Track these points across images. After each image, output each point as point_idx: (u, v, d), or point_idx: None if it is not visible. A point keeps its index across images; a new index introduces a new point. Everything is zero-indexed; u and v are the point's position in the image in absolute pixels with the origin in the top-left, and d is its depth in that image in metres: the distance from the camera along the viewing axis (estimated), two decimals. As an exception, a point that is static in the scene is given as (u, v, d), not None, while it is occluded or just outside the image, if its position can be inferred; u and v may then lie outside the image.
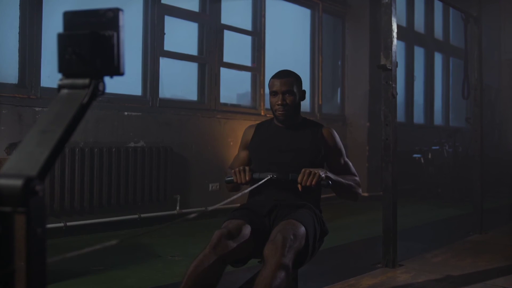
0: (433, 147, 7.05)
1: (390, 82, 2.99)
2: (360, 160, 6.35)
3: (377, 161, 6.31)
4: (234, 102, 5.42)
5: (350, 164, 2.17)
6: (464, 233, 4.04)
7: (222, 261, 1.68)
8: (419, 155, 6.92)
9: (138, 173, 4.16)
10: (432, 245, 3.61)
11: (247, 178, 1.90)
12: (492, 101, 9.05)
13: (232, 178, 1.95)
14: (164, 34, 4.51)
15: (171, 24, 4.60)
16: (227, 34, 5.10)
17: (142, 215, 4.20)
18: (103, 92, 0.76)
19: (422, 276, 2.74)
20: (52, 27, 3.79)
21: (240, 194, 1.78)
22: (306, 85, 6.25)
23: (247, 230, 1.81)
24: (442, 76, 8.83)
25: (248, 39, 5.46)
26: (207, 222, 4.56)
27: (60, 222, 3.69)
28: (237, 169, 1.93)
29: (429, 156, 6.92)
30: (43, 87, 3.71)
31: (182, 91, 4.96)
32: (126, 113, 4.19)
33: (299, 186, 1.85)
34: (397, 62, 3.04)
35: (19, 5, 3.63)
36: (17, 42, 3.63)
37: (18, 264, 0.63)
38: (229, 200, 1.48)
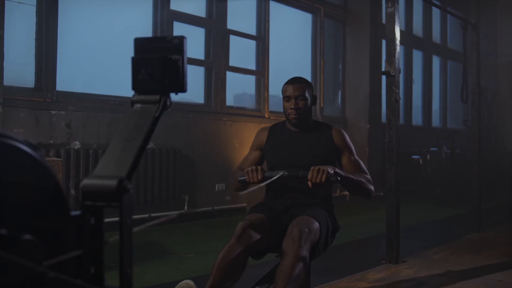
0: (431, 149, 7.20)
1: (394, 88, 3.14)
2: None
3: (377, 163, 6.47)
4: (232, 103, 5.56)
5: (361, 162, 2.24)
6: (462, 232, 4.20)
7: (246, 252, 1.83)
8: (417, 157, 7.07)
9: (148, 174, 4.30)
10: (433, 243, 3.77)
11: (259, 177, 1.95)
12: (488, 103, 9.22)
13: (245, 177, 2.00)
14: (173, 39, 4.65)
15: (179, 29, 4.74)
16: (232, 38, 5.25)
17: (152, 214, 4.33)
18: (170, 106, 0.92)
19: (424, 272, 2.89)
20: (67, 33, 3.94)
21: (247, 191, 1.89)
22: (308, 88, 6.43)
23: (267, 223, 1.96)
24: (440, 78, 9.02)
25: (252, 43, 5.61)
26: (213, 221, 4.71)
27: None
28: (249, 168, 1.98)
29: (428, 158, 7.08)
30: (58, 91, 3.84)
31: (190, 94, 5.10)
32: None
33: (309, 183, 1.90)
34: (400, 69, 3.20)
35: (36, 12, 3.77)
36: (34, 48, 3.77)
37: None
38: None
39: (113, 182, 0.77)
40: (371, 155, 6.49)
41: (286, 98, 2.17)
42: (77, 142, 3.89)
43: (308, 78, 6.41)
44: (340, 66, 6.88)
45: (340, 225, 2.15)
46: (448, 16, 8.70)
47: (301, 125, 2.20)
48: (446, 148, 7.17)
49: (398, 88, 3.18)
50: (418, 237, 4.18)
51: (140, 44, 0.92)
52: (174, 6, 4.67)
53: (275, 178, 1.92)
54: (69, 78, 3.99)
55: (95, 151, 3.95)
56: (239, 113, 5.33)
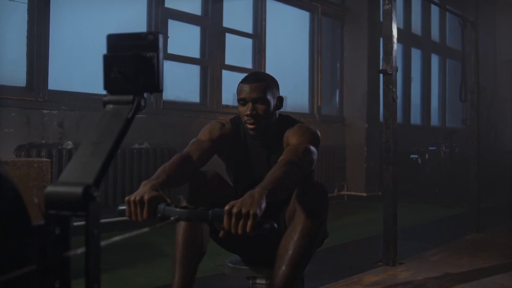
0: (430, 148, 7.15)
1: (391, 87, 3.08)
2: (358, 161, 6.46)
3: (375, 162, 6.41)
4: (230, 101, 5.50)
5: (302, 147, 1.65)
6: (461, 232, 4.14)
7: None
8: (416, 156, 7.02)
9: (143, 174, 4.23)
10: (431, 244, 3.71)
11: (144, 216, 1.38)
12: (488, 102, 9.17)
13: (125, 208, 1.42)
14: (168, 37, 4.59)
15: (174, 28, 4.68)
16: (228, 37, 5.19)
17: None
18: (144, 107, 0.85)
19: (421, 274, 2.84)
20: (59, 31, 3.87)
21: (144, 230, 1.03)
22: (305, 87, 6.37)
23: (222, 181, 1.79)
24: (438, 77, 8.95)
25: (249, 42, 5.55)
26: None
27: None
28: (133, 197, 1.39)
29: (426, 157, 7.03)
30: (50, 90, 3.78)
31: (185, 93, 5.05)
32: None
33: (221, 233, 1.30)
34: (397, 67, 3.14)
35: (27, 10, 3.70)
36: (25, 46, 3.70)
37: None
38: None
39: (78, 190, 0.71)
40: (369, 155, 6.43)
41: (241, 100, 1.74)
42: (70, 142, 3.83)
43: (306, 76, 6.39)
44: (338, 64, 6.82)
45: (328, 233, 1.88)
46: (447, 14, 8.65)
47: (261, 136, 1.78)
48: (445, 147, 7.12)
49: (395, 87, 3.13)
50: (416, 238, 4.12)
51: (113, 41, 0.87)
52: (169, 4, 4.61)
53: (170, 221, 1.33)
54: (62, 77, 3.92)
55: (88, 151, 3.89)
56: (234, 112, 5.26)
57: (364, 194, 6.33)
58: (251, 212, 1.24)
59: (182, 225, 1.65)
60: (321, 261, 3.10)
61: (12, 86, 3.63)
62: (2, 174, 0.68)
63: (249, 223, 1.23)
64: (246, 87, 1.73)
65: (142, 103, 0.84)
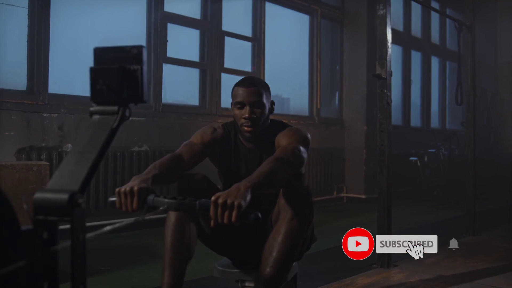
0: (429, 150, 7.18)
1: (385, 91, 3.12)
2: (357, 163, 6.49)
3: (374, 164, 6.42)
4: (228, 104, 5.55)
5: (292, 147, 1.67)
6: (457, 235, 4.14)
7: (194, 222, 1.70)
8: (415, 158, 7.05)
9: (142, 176, 4.28)
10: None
11: (134, 206, 1.43)
12: (488, 104, 9.19)
13: (115, 199, 1.47)
14: (167, 41, 4.64)
15: (174, 31, 4.73)
16: (227, 40, 5.24)
17: (146, 217, 4.31)
18: (129, 117, 0.90)
19: (415, 276, 2.87)
20: (59, 35, 3.93)
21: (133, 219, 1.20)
22: (304, 90, 6.41)
23: (208, 181, 1.76)
24: (438, 79, 8.98)
25: (248, 45, 5.60)
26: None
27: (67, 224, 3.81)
28: (123, 189, 1.45)
29: (425, 159, 7.05)
30: (50, 94, 3.83)
31: (184, 96, 5.10)
32: (130, 118, 4.31)
33: (212, 222, 1.36)
34: (391, 71, 3.17)
35: (28, 15, 3.76)
36: (26, 50, 3.76)
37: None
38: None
39: (64, 196, 0.76)
40: (368, 157, 6.47)
41: (238, 104, 1.78)
42: (70, 145, 3.88)
43: (305, 79, 6.43)
44: (337, 67, 6.86)
45: (316, 236, 1.92)
46: (447, 16, 8.68)
47: (256, 139, 1.82)
48: (444, 150, 7.14)
49: (390, 91, 3.16)
50: (412, 240, 4.14)
51: (99, 53, 0.91)
52: (168, 7, 4.66)
53: (159, 210, 1.36)
54: (62, 81, 3.98)
55: (88, 153, 3.93)
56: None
57: (363, 196, 6.36)
58: (236, 203, 1.30)
59: (170, 227, 1.68)
60: (315, 262, 3.14)
61: (12, 90, 3.69)
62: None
63: (234, 213, 1.30)
64: (244, 91, 1.78)
65: (127, 114, 0.89)
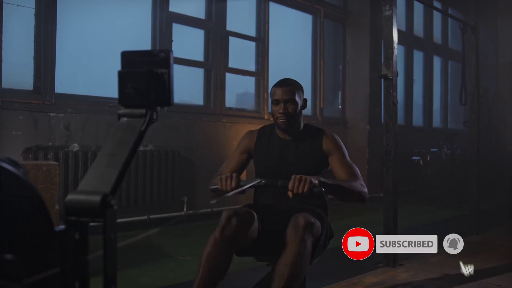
0: (432, 150, 7.20)
1: (391, 91, 3.14)
2: (360, 162, 6.50)
3: (377, 164, 6.46)
4: (234, 102, 5.56)
5: (353, 166, 2.12)
6: (461, 234, 4.17)
7: (232, 243, 1.83)
8: (418, 157, 7.07)
9: (147, 175, 4.30)
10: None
11: (233, 185, 1.83)
12: (489, 104, 9.21)
13: (217, 186, 1.87)
14: (172, 41, 4.65)
15: (179, 31, 4.75)
16: (232, 40, 5.25)
17: (151, 216, 4.34)
18: (156, 120, 0.92)
19: (421, 275, 2.90)
20: (66, 35, 3.95)
21: (217, 198, 1.60)
22: (308, 89, 6.42)
23: (253, 216, 1.91)
24: (440, 79, 9.00)
25: (252, 44, 5.61)
26: (212, 223, 4.70)
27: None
28: (223, 176, 1.87)
29: (428, 159, 7.08)
30: (57, 93, 3.85)
31: (189, 96, 5.11)
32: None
33: (289, 193, 1.78)
34: (397, 72, 3.19)
35: (34, 15, 3.77)
36: (33, 51, 3.77)
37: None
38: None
39: (97, 198, 0.77)
40: (371, 157, 6.49)
41: (274, 101, 2.09)
42: (76, 144, 3.90)
43: (308, 78, 6.44)
44: (340, 67, 6.88)
45: (333, 232, 2.13)
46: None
47: (290, 131, 2.12)
48: (447, 149, 7.16)
49: (396, 92, 3.18)
50: (416, 239, 4.16)
51: (126, 57, 0.93)
52: (173, 8, 4.68)
53: (250, 185, 1.80)
54: (68, 80, 3.99)
55: (94, 153, 3.96)
56: (238, 114, 5.33)
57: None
58: (308, 179, 1.78)
59: (208, 249, 1.82)
60: (322, 261, 3.14)
61: (19, 90, 3.71)
62: (28, 184, 0.74)
63: (306, 186, 1.76)
64: (279, 90, 2.08)
65: (154, 116, 0.91)
